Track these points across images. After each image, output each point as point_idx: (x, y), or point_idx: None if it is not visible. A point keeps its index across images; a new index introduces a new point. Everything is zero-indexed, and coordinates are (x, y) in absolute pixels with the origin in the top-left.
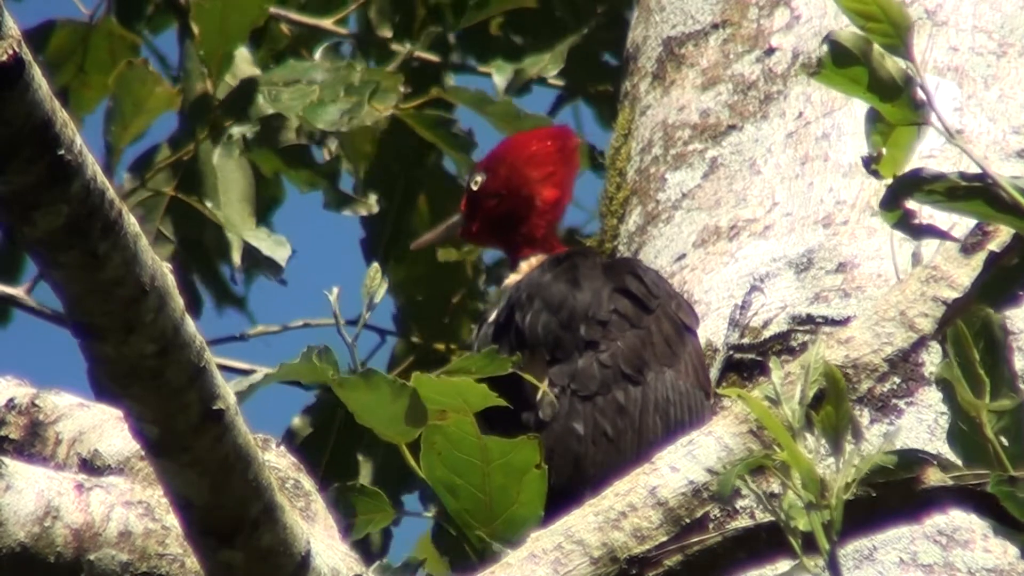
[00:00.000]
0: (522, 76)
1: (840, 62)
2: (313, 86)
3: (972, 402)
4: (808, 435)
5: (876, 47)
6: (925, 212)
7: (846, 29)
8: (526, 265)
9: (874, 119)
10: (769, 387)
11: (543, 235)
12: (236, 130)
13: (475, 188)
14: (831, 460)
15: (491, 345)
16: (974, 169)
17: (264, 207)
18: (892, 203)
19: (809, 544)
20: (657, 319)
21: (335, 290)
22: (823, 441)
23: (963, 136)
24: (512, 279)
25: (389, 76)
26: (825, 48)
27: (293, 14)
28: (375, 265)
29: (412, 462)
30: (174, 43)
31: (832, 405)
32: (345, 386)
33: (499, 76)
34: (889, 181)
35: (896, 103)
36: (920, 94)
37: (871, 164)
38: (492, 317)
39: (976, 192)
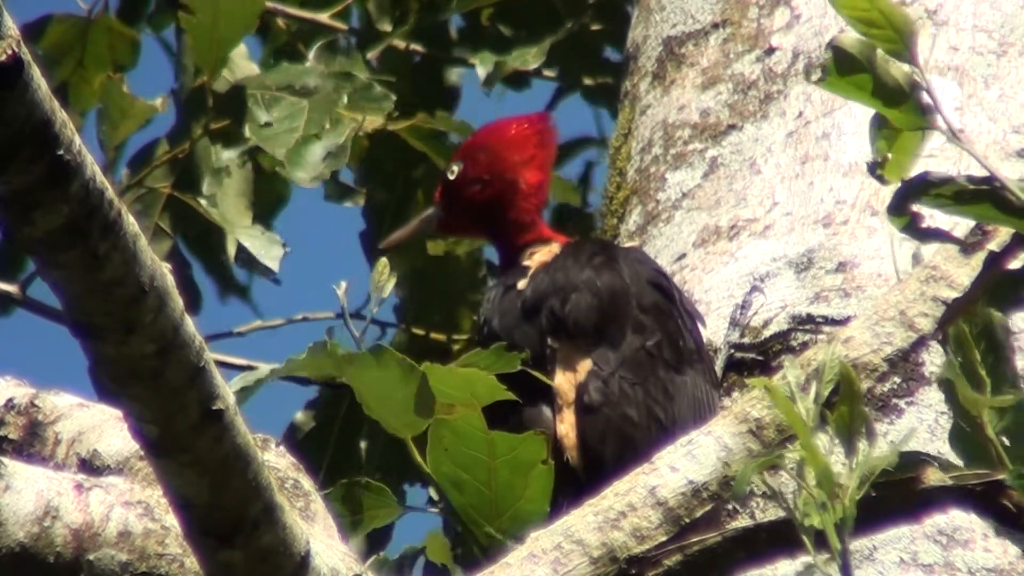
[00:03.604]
0: (502, 68)
1: (844, 68)
2: (302, 104)
3: (973, 399)
4: (821, 434)
5: (880, 52)
6: (925, 212)
7: (849, 35)
8: (540, 255)
9: (878, 124)
10: (783, 385)
11: (531, 220)
12: (225, 156)
13: (452, 177)
14: (834, 459)
15: (518, 328)
16: (974, 168)
17: (268, 205)
18: (900, 207)
19: (815, 543)
20: (681, 311)
21: (343, 284)
22: (837, 440)
23: (964, 136)
24: (536, 260)
25: (382, 92)
26: (829, 55)
27: (291, 8)
28: (383, 260)
29: (418, 458)
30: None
31: (847, 405)
32: (355, 363)
33: (482, 68)
34: (895, 186)
35: (902, 108)
36: (926, 98)
37: (876, 169)
38: (502, 306)
39: (983, 195)
